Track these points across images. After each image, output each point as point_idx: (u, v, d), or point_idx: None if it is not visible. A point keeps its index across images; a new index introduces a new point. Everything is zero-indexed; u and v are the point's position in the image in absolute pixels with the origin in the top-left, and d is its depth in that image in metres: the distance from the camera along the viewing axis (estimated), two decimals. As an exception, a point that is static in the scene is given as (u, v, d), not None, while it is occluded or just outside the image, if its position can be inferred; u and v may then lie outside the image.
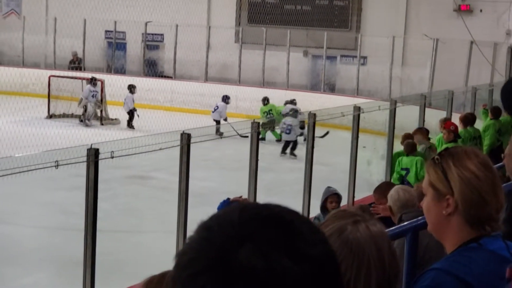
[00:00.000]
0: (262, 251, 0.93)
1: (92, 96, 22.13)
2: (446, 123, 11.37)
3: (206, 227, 1.00)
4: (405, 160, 10.30)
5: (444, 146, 10.64)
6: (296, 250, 0.95)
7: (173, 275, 1.00)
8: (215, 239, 0.97)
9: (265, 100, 21.60)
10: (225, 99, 21.74)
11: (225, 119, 20.73)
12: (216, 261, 0.94)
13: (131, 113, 21.77)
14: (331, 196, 7.70)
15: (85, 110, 22.05)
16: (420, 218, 3.64)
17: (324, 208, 7.76)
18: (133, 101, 21.82)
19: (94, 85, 22.37)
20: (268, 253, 0.93)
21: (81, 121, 22.01)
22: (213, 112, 21.49)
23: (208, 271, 0.94)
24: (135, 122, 21.55)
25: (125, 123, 21.82)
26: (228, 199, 7.62)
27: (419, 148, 10.86)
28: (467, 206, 2.03)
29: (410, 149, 10.36)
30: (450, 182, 2.06)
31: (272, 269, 0.92)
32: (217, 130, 18.81)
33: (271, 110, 21.06)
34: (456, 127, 11.08)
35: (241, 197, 7.51)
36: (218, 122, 20.69)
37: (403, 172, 10.23)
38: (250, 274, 0.92)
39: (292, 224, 0.98)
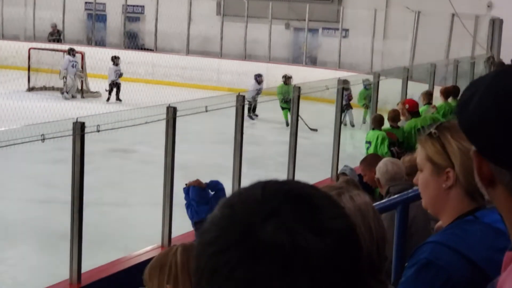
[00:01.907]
0: (286, 226, 0.95)
1: (72, 66, 21.94)
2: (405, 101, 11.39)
3: (228, 204, 1.01)
4: (370, 134, 10.43)
5: (407, 123, 10.72)
6: (318, 224, 0.96)
7: (196, 253, 1.01)
8: (239, 215, 0.98)
9: (287, 79, 18.90)
10: (256, 77, 19.83)
11: (254, 99, 19.44)
12: (241, 237, 0.96)
13: (112, 85, 21.61)
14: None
15: (65, 83, 21.91)
16: (410, 191, 3.70)
17: None
18: (115, 73, 21.59)
19: (73, 55, 22.16)
20: (292, 228, 0.95)
21: (63, 93, 21.84)
22: None
23: (233, 248, 0.95)
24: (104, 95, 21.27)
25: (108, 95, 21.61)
26: (186, 184, 7.63)
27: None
28: (469, 177, 2.05)
29: (377, 124, 10.45)
30: (449, 155, 2.08)
31: (296, 243, 0.94)
32: (249, 110, 18.67)
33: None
34: (411, 104, 11.02)
35: (196, 180, 7.53)
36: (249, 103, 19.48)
37: (367, 145, 10.37)
38: (276, 249, 0.93)
39: (313, 199, 1.00)
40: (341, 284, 0.95)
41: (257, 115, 19.07)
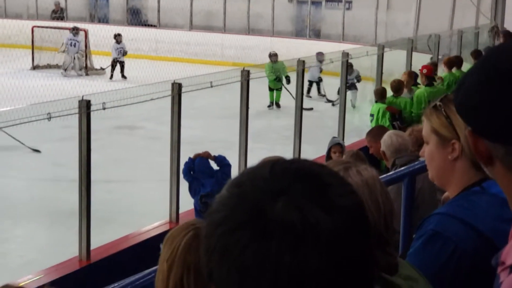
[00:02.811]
0: (296, 204, 0.96)
1: (72, 45, 21.89)
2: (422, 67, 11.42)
3: (237, 183, 1.02)
4: (374, 107, 10.45)
5: (418, 91, 10.77)
6: (327, 201, 0.97)
7: (205, 233, 1.01)
8: (248, 194, 0.98)
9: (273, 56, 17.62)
10: (317, 56, 16.87)
11: (319, 80, 18.63)
12: (251, 216, 0.96)
13: (114, 63, 21.49)
14: (335, 146, 7.72)
15: (64, 61, 21.90)
16: (416, 162, 3.71)
17: (328, 158, 7.81)
18: (117, 51, 21.49)
19: (75, 34, 22.09)
20: (302, 206, 0.95)
21: (65, 70, 21.82)
22: None
23: (244, 226, 0.96)
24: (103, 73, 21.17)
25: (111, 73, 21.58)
26: (190, 158, 7.69)
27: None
28: None
29: (379, 96, 10.46)
30: (455, 127, 2.09)
31: (306, 221, 0.94)
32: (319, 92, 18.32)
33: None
34: (429, 69, 11.06)
35: (206, 152, 7.59)
36: (310, 84, 18.59)
37: (371, 118, 10.38)
38: (286, 227, 0.94)
39: (321, 177, 1.00)
40: (351, 260, 0.96)
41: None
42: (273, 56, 17.41)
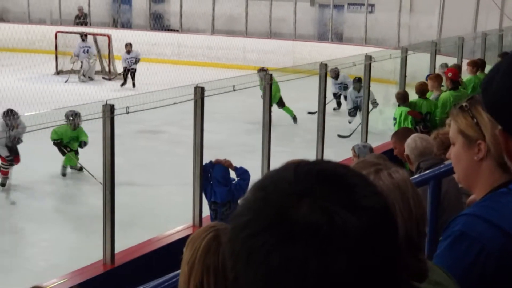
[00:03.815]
0: (321, 206, 0.94)
1: (84, 51, 21.98)
2: (446, 69, 11.36)
3: (261, 187, 1.00)
4: (396, 110, 10.45)
5: (443, 95, 10.70)
6: (353, 202, 0.95)
7: (230, 237, 1.00)
8: (272, 197, 0.97)
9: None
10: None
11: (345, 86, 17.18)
12: (276, 219, 0.95)
13: (125, 71, 21.19)
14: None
15: (81, 67, 21.99)
16: (442, 166, 3.69)
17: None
18: (126, 61, 21.06)
19: (83, 40, 22.18)
20: (327, 207, 0.94)
21: (80, 77, 21.86)
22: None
23: (268, 229, 0.94)
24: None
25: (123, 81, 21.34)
26: (211, 161, 7.70)
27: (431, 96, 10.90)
28: (500, 149, 2.06)
29: (401, 100, 10.44)
30: (481, 127, 2.09)
31: (333, 222, 0.93)
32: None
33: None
34: (454, 73, 10.99)
35: (224, 159, 7.59)
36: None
37: (393, 122, 10.37)
38: (312, 230, 0.93)
39: (346, 178, 0.99)
40: (378, 262, 0.95)
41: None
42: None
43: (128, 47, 21.34)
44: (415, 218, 1.72)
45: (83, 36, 22.25)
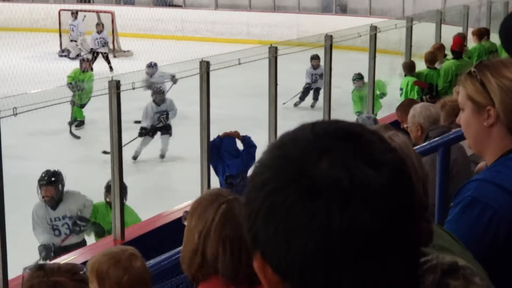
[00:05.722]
0: (341, 162, 0.94)
1: (73, 30, 21.91)
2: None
3: (279, 145, 1.00)
4: (403, 80, 10.41)
5: (445, 64, 10.66)
6: (372, 158, 0.96)
7: (247, 199, 0.99)
8: (291, 155, 0.97)
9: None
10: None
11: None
12: (296, 175, 0.94)
13: (93, 54, 20.08)
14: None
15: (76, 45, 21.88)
16: (450, 133, 3.69)
17: None
18: (95, 41, 20.41)
19: (72, 18, 22.07)
20: (348, 163, 0.94)
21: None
22: None
23: (289, 185, 0.94)
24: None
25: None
26: (218, 136, 7.69)
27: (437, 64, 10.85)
28: (509, 114, 2.05)
29: (408, 70, 10.40)
30: (489, 93, 2.07)
31: (354, 178, 0.93)
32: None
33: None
34: (455, 42, 10.92)
35: (235, 132, 7.58)
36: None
37: (400, 92, 10.34)
38: (334, 185, 0.93)
39: (362, 135, 0.99)
40: (400, 216, 0.95)
41: None
42: None
43: (100, 26, 20.71)
44: (421, 178, 1.73)
45: (72, 14, 22.03)
